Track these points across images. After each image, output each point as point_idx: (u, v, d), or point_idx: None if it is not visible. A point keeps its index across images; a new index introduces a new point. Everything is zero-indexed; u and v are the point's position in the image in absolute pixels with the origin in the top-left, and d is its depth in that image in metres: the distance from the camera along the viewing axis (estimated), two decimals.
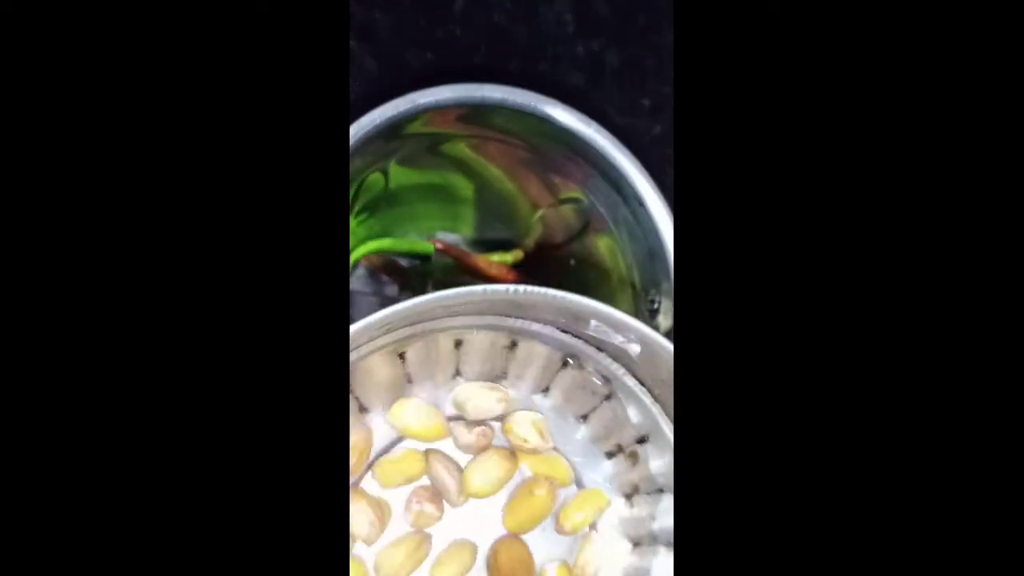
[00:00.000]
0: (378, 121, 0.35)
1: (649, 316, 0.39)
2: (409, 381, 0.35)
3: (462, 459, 0.36)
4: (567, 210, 0.42)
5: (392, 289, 0.47)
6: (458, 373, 0.36)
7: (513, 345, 0.35)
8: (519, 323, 0.34)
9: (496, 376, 0.36)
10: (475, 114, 0.37)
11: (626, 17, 0.49)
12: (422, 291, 0.45)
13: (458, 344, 0.35)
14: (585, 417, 0.37)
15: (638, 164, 0.37)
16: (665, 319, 0.38)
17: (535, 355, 0.35)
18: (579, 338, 0.34)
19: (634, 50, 0.48)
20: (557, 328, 0.34)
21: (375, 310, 0.47)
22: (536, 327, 0.34)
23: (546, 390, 0.37)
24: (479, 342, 0.35)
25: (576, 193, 0.40)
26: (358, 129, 0.35)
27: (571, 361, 0.35)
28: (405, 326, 0.32)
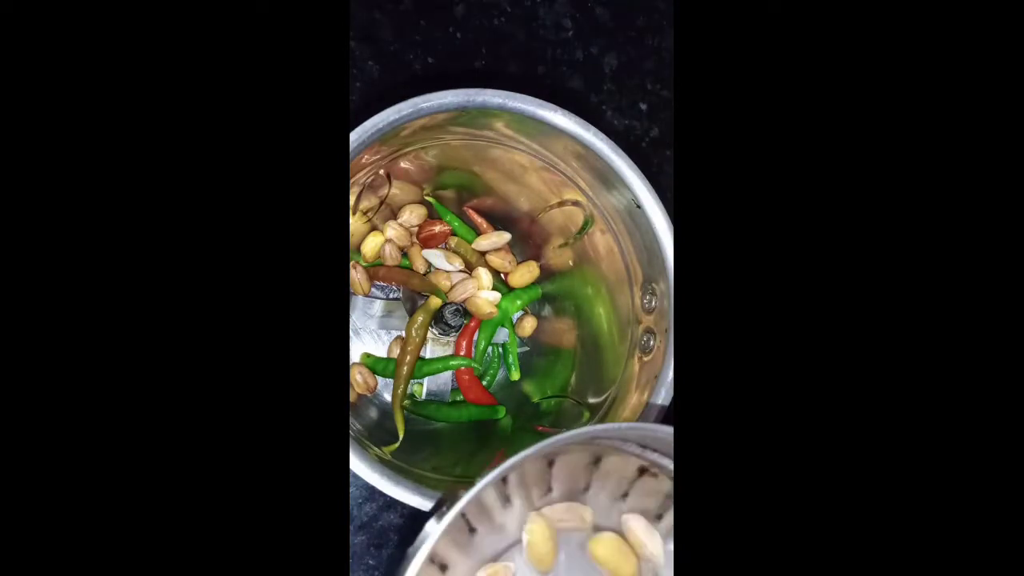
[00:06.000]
0: (381, 125, 0.35)
1: (646, 313, 0.39)
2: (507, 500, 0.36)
3: None
4: (568, 211, 0.42)
5: (394, 291, 0.48)
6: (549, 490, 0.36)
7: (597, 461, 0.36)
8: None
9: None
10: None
11: (624, 21, 0.49)
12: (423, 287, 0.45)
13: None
14: (659, 516, 0.37)
15: (635, 166, 0.37)
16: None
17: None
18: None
19: (632, 54, 0.49)
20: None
21: (382, 307, 0.47)
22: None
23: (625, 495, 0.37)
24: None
25: (576, 195, 0.41)
26: (362, 133, 0.35)
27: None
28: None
